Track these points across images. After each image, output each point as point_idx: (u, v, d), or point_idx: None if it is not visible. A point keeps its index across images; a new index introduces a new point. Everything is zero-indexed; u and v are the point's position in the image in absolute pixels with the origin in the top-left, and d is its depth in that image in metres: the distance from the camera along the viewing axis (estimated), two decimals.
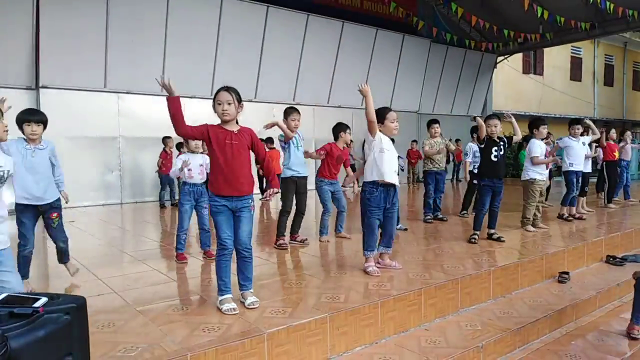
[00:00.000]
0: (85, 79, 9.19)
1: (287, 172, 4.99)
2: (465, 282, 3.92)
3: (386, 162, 3.93)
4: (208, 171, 4.61)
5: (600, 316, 4.25)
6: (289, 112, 5.06)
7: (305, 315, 3.01)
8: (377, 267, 4.07)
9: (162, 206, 9.03)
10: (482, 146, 5.45)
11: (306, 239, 5.19)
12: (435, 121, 6.89)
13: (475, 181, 6.94)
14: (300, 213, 5.19)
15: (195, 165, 4.49)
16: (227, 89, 3.13)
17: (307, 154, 5.20)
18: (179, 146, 7.92)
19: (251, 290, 3.26)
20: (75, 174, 7.84)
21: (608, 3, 11.87)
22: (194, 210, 4.55)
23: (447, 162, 7.89)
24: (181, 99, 3.08)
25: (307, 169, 5.15)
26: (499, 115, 5.69)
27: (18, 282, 2.42)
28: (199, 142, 4.50)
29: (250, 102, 11.12)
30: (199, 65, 10.48)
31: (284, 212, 5.03)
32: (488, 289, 4.11)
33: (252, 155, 3.28)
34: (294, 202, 5.11)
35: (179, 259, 4.47)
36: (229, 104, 3.10)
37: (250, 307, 3.13)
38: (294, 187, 5.01)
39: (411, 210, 7.23)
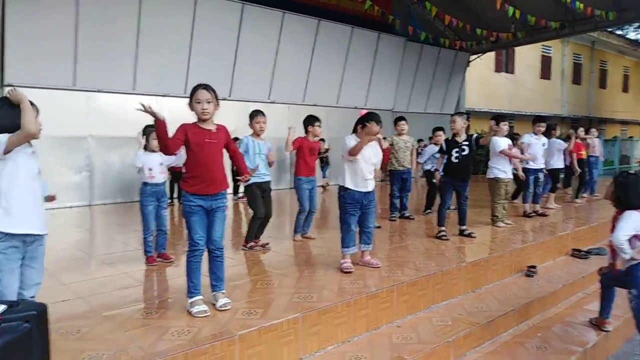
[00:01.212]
0: (54, 77, 8.91)
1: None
2: (436, 279, 3.98)
3: (358, 171, 4.05)
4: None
5: (566, 308, 4.38)
6: (254, 114, 4.90)
7: (277, 315, 3.01)
8: (359, 265, 4.16)
9: None
10: (445, 148, 5.52)
11: (267, 244, 5.03)
12: (402, 118, 6.88)
13: (434, 180, 7.00)
14: (266, 219, 5.03)
15: (155, 165, 4.41)
16: (206, 87, 3.11)
17: (273, 149, 5.10)
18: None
19: (223, 291, 3.24)
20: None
21: (578, 2, 12.17)
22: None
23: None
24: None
25: (270, 174, 5.01)
26: (462, 113, 5.76)
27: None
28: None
29: (224, 101, 11.02)
30: (173, 63, 10.29)
31: (256, 219, 4.92)
32: (459, 285, 4.18)
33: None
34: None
35: (148, 262, 4.40)
36: (209, 102, 3.09)
37: (222, 308, 3.10)
38: (259, 193, 4.89)
39: (384, 208, 7.27)
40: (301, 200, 5.31)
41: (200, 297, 3.12)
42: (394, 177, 6.76)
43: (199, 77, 10.57)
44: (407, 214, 6.88)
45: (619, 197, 3.44)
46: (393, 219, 6.69)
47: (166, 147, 3.03)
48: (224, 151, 3.25)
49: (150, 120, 3.11)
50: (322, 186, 12.20)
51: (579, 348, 3.54)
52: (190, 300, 3.10)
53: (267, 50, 11.83)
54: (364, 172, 4.06)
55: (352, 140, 4.07)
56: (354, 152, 3.99)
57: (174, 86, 10.13)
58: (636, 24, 26.53)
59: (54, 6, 8.74)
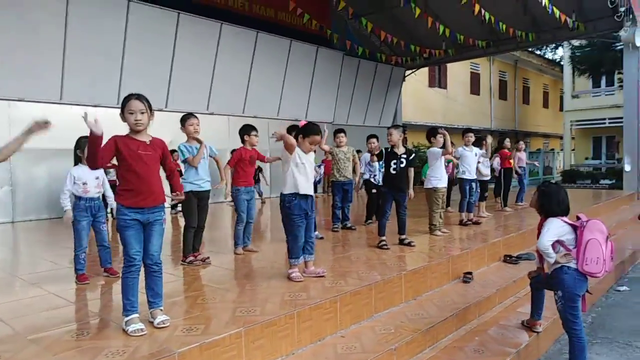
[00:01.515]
0: None
1: (187, 186, 4.60)
2: (379, 287, 4.04)
3: (302, 176, 4.08)
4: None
5: (500, 311, 4.59)
6: (185, 118, 4.74)
7: (219, 331, 2.91)
8: (304, 275, 4.15)
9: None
10: (381, 160, 5.69)
11: (208, 257, 4.89)
12: (341, 130, 7.01)
13: (373, 190, 7.17)
14: (199, 229, 4.89)
15: (90, 179, 4.20)
16: (139, 96, 3.01)
17: (222, 173, 5.07)
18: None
19: (161, 308, 3.09)
20: None
21: (501, 23, 13.06)
22: (91, 227, 4.25)
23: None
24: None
25: (209, 183, 4.87)
26: (399, 126, 5.98)
27: None
28: None
29: (160, 112, 10.67)
30: (104, 72, 9.83)
31: (188, 228, 4.77)
32: (400, 293, 4.27)
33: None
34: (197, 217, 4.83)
35: (80, 280, 4.13)
36: (142, 113, 2.98)
37: (159, 325, 2.96)
38: (195, 202, 4.73)
39: (327, 219, 7.31)
40: (239, 211, 5.22)
41: (137, 315, 2.97)
42: (335, 187, 6.83)
43: (133, 86, 10.15)
44: (349, 225, 6.96)
45: (542, 205, 3.67)
46: (335, 229, 6.74)
47: (95, 161, 2.90)
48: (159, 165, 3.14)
49: (83, 133, 2.95)
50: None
51: (512, 350, 3.71)
52: (126, 319, 2.93)
53: (205, 60, 11.64)
54: (307, 177, 4.09)
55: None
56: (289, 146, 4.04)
57: (106, 96, 9.68)
58: (552, 45, 28.98)
59: None
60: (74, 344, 2.74)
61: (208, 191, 4.86)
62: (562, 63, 28.29)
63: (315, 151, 4.30)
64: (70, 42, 9.24)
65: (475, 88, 25.88)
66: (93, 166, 2.98)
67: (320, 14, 14.22)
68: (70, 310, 3.45)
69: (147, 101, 3.05)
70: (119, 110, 3.07)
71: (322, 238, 6.07)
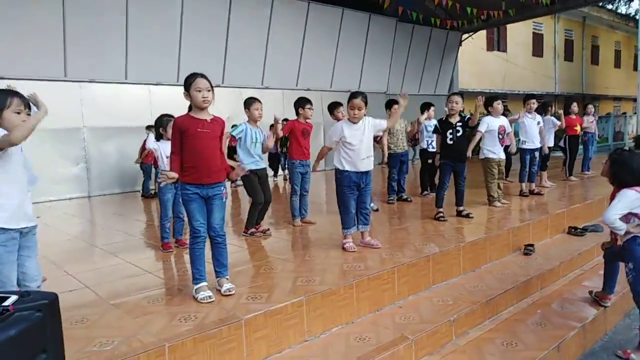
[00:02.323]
0: (43, 68, 8.79)
1: (246, 166, 4.68)
2: (436, 259, 4.04)
3: (350, 150, 4.11)
4: None
5: (564, 285, 4.46)
6: (251, 102, 4.82)
7: (281, 299, 3.05)
8: (360, 246, 4.25)
9: (147, 196, 8.80)
10: (438, 130, 5.56)
11: (268, 229, 5.05)
12: (395, 102, 6.88)
13: (429, 160, 6.99)
14: (266, 203, 5.04)
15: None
16: (204, 75, 3.12)
17: (270, 134, 5.07)
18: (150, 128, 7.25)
19: (227, 277, 3.28)
20: (38, 168, 7.55)
21: None
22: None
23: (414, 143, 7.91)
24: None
25: (264, 162, 5.04)
26: (459, 93, 5.77)
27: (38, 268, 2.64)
28: None
29: (217, 88, 10.94)
30: (164, 51, 10.17)
31: (256, 205, 4.93)
32: (458, 265, 4.25)
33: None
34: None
35: (164, 248, 4.46)
36: (209, 90, 3.10)
37: (226, 293, 3.14)
38: (256, 179, 4.89)
39: (382, 191, 7.31)
40: (292, 183, 5.34)
41: (205, 283, 3.16)
42: (391, 159, 6.78)
43: (190, 64, 10.49)
44: (405, 196, 6.92)
45: (614, 174, 3.48)
46: (391, 201, 6.74)
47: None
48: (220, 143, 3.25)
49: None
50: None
51: (577, 324, 3.62)
52: (195, 287, 3.14)
53: (258, 35, 11.72)
54: (358, 152, 4.11)
55: (337, 132, 4.15)
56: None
57: (166, 74, 10.04)
58: None
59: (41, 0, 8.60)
60: (151, 309, 2.98)
61: (265, 168, 5.02)
62: (637, 17, 25.87)
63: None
64: (131, 24, 9.61)
65: (538, 50, 24.35)
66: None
67: None
68: (145, 278, 3.73)
69: (210, 80, 3.16)
70: (178, 88, 3.20)
71: (377, 210, 6.09)
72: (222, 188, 3.23)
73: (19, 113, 2.46)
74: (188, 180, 3.13)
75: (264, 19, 11.72)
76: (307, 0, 12.47)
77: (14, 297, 1.85)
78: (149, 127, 7.46)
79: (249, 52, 11.60)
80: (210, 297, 3.06)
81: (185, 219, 3.49)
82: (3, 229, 2.41)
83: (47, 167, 8.51)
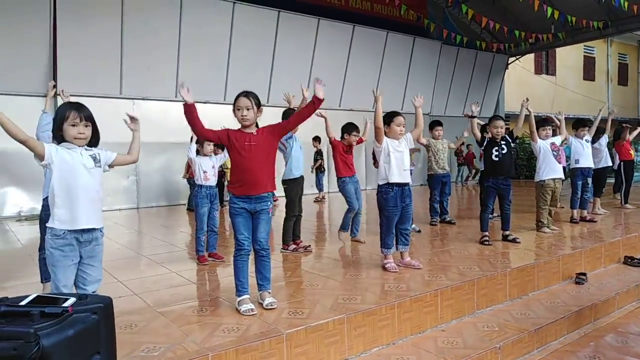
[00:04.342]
0: (102, 86, 9.35)
1: (294, 172, 4.86)
2: (481, 283, 3.92)
3: (394, 164, 4.12)
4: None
5: (619, 317, 4.21)
6: (290, 113, 4.75)
7: (322, 316, 3.04)
8: (400, 266, 4.21)
9: (192, 209, 9.03)
10: (482, 148, 5.46)
11: (309, 246, 5.05)
12: (439, 123, 6.84)
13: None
14: (299, 216, 5.06)
15: (209, 167, 4.59)
16: (246, 94, 3.20)
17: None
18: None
19: (269, 291, 3.30)
20: None
21: (622, 1, 11.74)
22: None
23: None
24: (196, 104, 3.18)
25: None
26: (502, 117, 5.68)
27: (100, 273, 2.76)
28: (212, 148, 4.70)
29: (263, 107, 11.22)
30: (212, 70, 10.59)
31: (290, 217, 4.93)
32: (504, 290, 4.10)
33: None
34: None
35: (200, 262, 4.55)
36: (248, 109, 3.17)
37: (268, 307, 3.17)
38: (298, 190, 4.93)
39: (425, 212, 7.20)
40: (349, 200, 5.33)
41: (247, 296, 3.20)
42: (433, 181, 6.70)
43: (237, 83, 10.83)
44: (448, 218, 6.80)
45: None
46: (434, 223, 6.63)
47: (194, 129, 3.24)
48: (272, 153, 3.31)
49: (210, 128, 3.26)
50: (317, 199, 10.87)
51: (635, 359, 3.40)
52: (238, 299, 3.18)
53: (303, 56, 11.99)
54: (400, 163, 4.13)
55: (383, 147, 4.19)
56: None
57: (214, 93, 10.41)
58: None
59: (101, 21, 9.21)
60: (195, 319, 3.04)
61: (303, 176, 5.05)
62: None
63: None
64: (184, 45, 10.08)
65: (589, 73, 23.60)
66: (194, 132, 3.31)
67: (417, 4, 13.94)
68: (189, 288, 3.82)
69: (255, 97, 3.23)
70: (224, 107, 3.33)
71: (419, 231, 6.00)
72: (269, 203, 3.28)
73: (74, 126, 2.56)
74: (236, 193, 3.21)
75: (310, 40, 12.00)
76: (352, 23, 12.67)
77: (72, 299, 1.93)
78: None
79: (293, 72, 11.86)
80: (252, 309, 3.09)
81: (222, 231, 3.55)
82: (57, 233, 2.51)
83: (102, 178, 8.93)
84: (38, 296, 1.96)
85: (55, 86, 3.95)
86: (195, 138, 4.51)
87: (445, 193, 6.74)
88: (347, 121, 5.60)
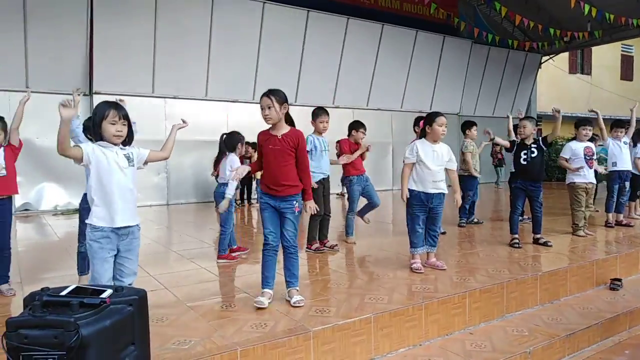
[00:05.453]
0: (135, 85, 9.60)
1: (316, 176, 4.75)
2: (511, 287, 3.85)
3: (426, 174, 4.08)
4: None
5: None
6: (318, 113, 4.85)
7: (349, 314, 3.05)
8: (425, 267, 4.17)
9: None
10: (512, 151, 5.36)
11: (336, 245, 5.05)
12: (475, 123, 6.77)
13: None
14: (326, 216, 5.02)
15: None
16: (268, 93, 3.21)
17: (333, 162, 5.18)
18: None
19: (297, 288, 3.33)
20: None
21: None
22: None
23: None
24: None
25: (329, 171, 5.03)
26: (532, 118, 5.56)
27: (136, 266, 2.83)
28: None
29: (291, 106, 11.28)
30: (242, 70, 10.72)
31: (315, 217, 4.86)
32: (535, 295, 4.02)
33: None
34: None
35: (229, 259, 4.65)
36: (269, 108, 3.19)
37: (295, 305, 3.20)
38: (321, 191, 4.86)
39: (454, 214, 7.10)
40: (351, 200, 5.35)
41: (268, 290, 3.26)
42: (469, 182, 6.60)
43: (266, 83, 10.91)
44: (476, 220, 6.71)
45: None
46: (462, 225, 6.54)
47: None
48: (292, 159, 3.28)
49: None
50: (340, 193, 11.27)
51: None
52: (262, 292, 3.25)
53: (332, 55, 12.01)
54: (431, 174, 4.06)
55: (409, 151, 4.17)
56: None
57: (243, 93, 10.54)
58: None
59: (135, 22, 9.45)
60: (224, 314, 3.10)
61: (328, 177, 5.01)
62: None
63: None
64: (214, 46, 10.25)
65: (627, 73, 22.80)
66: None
67: (447, 2, 13.76)
68: (218, 284, 3.90)
69: (277, 94, 3.20)
70: (253, 106, 3.37)
71: (444, 233, 5.92)
72: (294, 202, 3.28)
73: (114, 124, 2.62)
74: (263, 190, 3.31)
75: (338, 39, 12.00)
76: (380, 22, 12.61)
77: (109, 291, 2.01)
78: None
79: (322, 71, 11.90)
80: (261, 302, 3.12)
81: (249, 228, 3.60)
82: (95, 227, 2.60)
83: None
84: (77, 287, 2.04)
85: (78, 89, 4.02)
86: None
87: (475, 194, 6.67)
88: (374, 120, 5.58)
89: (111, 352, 1.86)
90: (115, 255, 2.67)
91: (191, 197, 10.30)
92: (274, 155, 3.23)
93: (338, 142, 5.72)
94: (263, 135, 3.32)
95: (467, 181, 6.59)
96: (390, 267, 4.31)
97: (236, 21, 10.44)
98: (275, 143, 3.23)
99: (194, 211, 9.10)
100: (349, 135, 5.44)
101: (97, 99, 9.08)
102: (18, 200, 8.41)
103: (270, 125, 3.30)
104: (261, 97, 3.24)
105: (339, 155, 5.45)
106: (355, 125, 5.41)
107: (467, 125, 6.73)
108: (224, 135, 4.80)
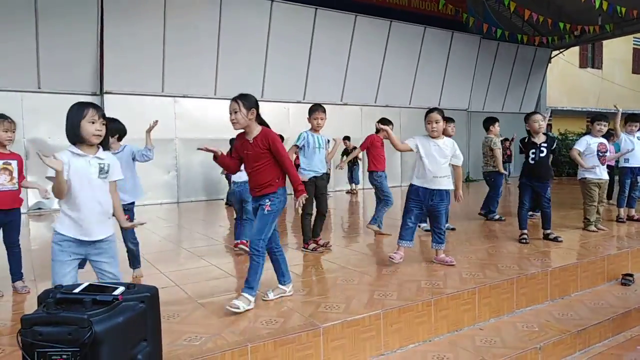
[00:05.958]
0: (145, 85, 9.67)
1: (307, 173, 4.70)
2: (521, 282, 3.84)
3: (424, 169, 4.13)
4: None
5: None
6: (313, 110, 4.76)
7: (359, 311, 3.07)
8: (434, 263, 4.24)
9: (230, 204, 9.24)
10: (522, 148, 5.35)
11: (329, 242, 5.01)
12: (497, 119, 6.77)
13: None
14: (321, 215, 4.93)
15: None
16: (236, 97, 3.16)
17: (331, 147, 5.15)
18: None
19: (245, 294, 3.12)
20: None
21: None
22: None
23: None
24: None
25: (325, 168, 4.90)
26: (539, 112, 5.53)
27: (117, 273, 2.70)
28: None
29: (298, 104, 11.32)
30: (250, 68, 10.75)
31: (305, 215, 4.84)
32: (545, 290, 4.00)
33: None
34: (314, 203, 4.89)
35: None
36: (236, 112, 3.14)
37: (231, 307, 3.03)
38: (313, 189, 4.76)
39: (467, 210, 7.09)
40: (386, 194, 5.42)
41: (280, 285, 3.37)
42: (499, 179, 6.63)
43: (274, 82, 10.98)
44: (497, 217, 6.74)
45: None
46: (500, 219, 6.60)
47: (229, 170, 3.54)
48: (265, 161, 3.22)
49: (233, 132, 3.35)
50: (349, 191, 11.48)
51: None
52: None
53: (340, 52, 11.99)
54: (431, 170, 4.09)
55: (411, 138, 4.23)
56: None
57: (252, 91, 10.50)
58: None
59: (144, 22, 9.51)
60: (234, 311, 3.12)
61: (326, 175, 4.92)
62: None
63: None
64: (223, 44, 10.28)
65: (639, 66, 22.47)
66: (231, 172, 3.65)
67: None
68: (228, 281, 3.92)
69: (244, 99, 3.13)
70: (263, 103, 3.39)
71: (453, 229, 5.91)
72: (267, 200, 3.21)
73: (93, 122, 2.51)
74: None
75: (346, 36, 11.98)
76: (388, 19, 12.56)
77: (122, 288, 2.04)
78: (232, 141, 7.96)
79: (329, 68, 11.89)
80: (237, 307, 3.01)
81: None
82: (59, 232, 2.53)
83: (143, 174, 9.21)
84: (90, 284, 2.07)
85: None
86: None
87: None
88: (383, 117, 5.59)
89: (124, 348, 1.89)
90: (91, 261, 2.62)
91: (201, 195, 10.37)
92: (248, 159, 3.25)
93: (363, 143, 5.78)
94: (238, 140, 3.34)
95: (497, 177, 6.59)
96: (399, 263, 4.31)
97: (244, 19, 10.47)
98: (248, 148, 3.23)
99: (203, 209, 9.16)
100: (377, 132, 5.52)
101: (108, 98, 9.18)
102: (31, 199, 8.53)
103: (242, 130, 3.26)
104: (230, 102, 3.18)
105: (345, 151, 5.54)
106: (385, 122, 5.42)
107: (490, 122, 6.71)
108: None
